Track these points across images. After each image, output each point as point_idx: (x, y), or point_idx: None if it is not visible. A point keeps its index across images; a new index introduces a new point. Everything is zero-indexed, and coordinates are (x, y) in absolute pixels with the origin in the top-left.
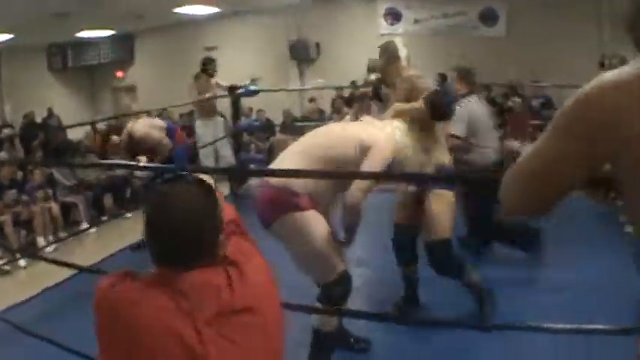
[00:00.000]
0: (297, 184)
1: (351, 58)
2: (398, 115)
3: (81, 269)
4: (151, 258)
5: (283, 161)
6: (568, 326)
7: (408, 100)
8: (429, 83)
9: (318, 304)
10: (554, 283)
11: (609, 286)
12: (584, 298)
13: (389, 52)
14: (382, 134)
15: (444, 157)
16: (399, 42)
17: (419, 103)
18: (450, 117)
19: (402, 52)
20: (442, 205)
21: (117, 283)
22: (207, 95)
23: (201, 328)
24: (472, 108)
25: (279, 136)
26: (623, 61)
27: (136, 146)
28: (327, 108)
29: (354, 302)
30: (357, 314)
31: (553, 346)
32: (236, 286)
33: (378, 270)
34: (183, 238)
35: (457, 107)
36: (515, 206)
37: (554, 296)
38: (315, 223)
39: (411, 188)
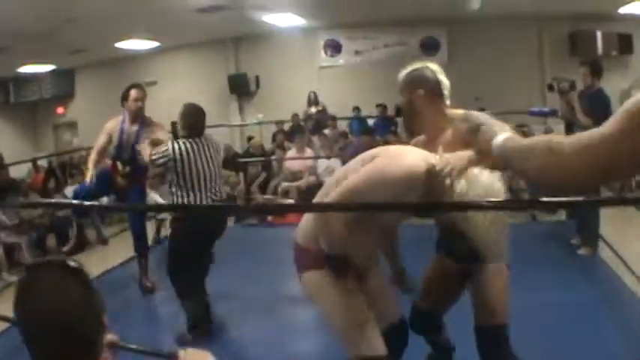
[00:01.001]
0: (305, 234)
1: (291, 91)
2: None
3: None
4: None
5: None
6: None
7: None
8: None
9: None
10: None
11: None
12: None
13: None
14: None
15: None
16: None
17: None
18: None
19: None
20: (500, 281)
21: None
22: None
23: None
24: None
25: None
26: (572, 85)
27: None
28: (267, 143)
29: None
30: None
31: None
32: None
33: None
34: (49, 338)
35: None
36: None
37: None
38: (328, 288)
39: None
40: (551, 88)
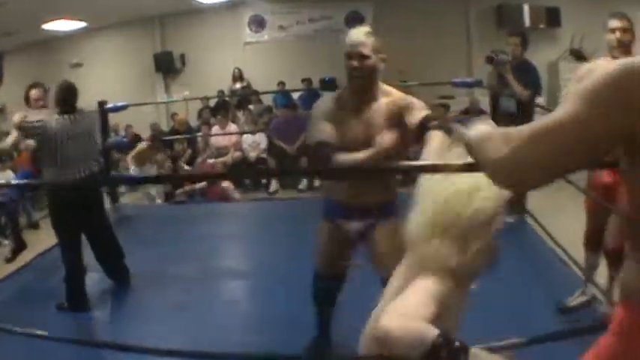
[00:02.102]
0: None
1: (217, 67)
2: None
3: None
4: None
5: None
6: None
7: None
8: None
9: None
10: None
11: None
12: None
13: None
14: None
15: None
16: None
17: None
18: None
19: None
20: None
21: None
22: None
23: None
24: None
25: None
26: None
27: None
28: (194, 119)
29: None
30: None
31: None
32: None
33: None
34: None
35: None
36: (529, 173)
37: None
38: None
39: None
40: (490, 60)
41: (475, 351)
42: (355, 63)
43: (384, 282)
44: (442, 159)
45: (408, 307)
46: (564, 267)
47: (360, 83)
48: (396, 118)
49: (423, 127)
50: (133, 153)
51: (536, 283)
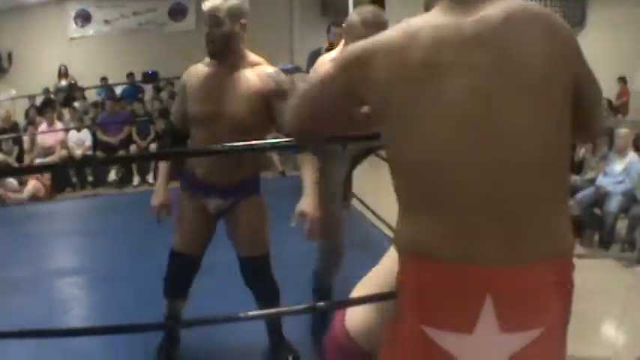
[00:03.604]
0: None
1: (43, 64)
2: None
3: None
4: None
5: None
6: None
7: None
8: None
9: None
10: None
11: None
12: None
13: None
14: None
15: None
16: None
17: None
18: None
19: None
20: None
21: None
22: None
23: None
24: None
25: None
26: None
27: None
28: (22, 119)
29: None
30: None
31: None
32: None
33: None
34: None
35: None
36: (295, 125)
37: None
38: None
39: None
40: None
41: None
42: (209, 29)
43: (242, 262)
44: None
45: None
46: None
47: (214, 50)
48: (259, 93)
49: None
50: None
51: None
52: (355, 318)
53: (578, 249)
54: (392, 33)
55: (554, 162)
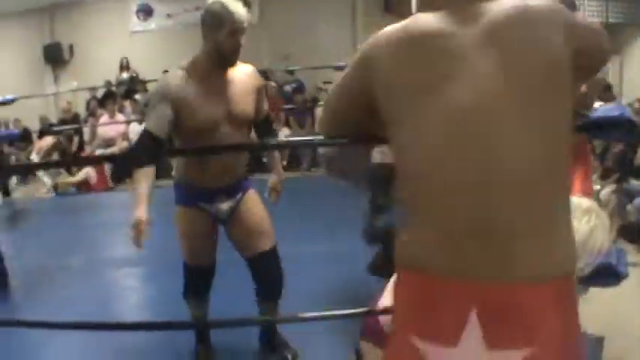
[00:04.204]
0: None
1: (104, 58)
2: None
3: None
4: None
5: None
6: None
7: None
8: None
9: None
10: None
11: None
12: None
13: None
14: None
15: None
16: None
17: None
18: None
19: None
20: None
21: None
22: None
23: None
24: None
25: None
26: None
27: None
28: (83, 111)
29: None
30: None
31: None
32: None
33: None
34: None
35: None
36: (324, 129)
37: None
38: None
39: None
40: None
41: None
42: (242, 40)
43: (250, 263)
44: None
45: None
46: None
47: (235, 60)
48: (255, 89)
49: (267, 122)
50: (37, 148)
51: None
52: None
53: (637, 256)
54: (397, 32)
55: (553, 176)
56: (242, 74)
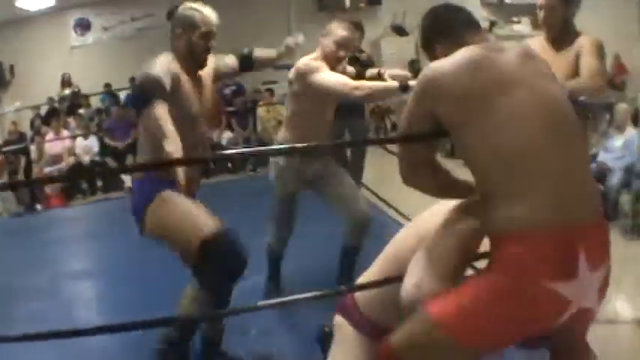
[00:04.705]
0: None
1: (45, 75)
2: None
3: None
4: None
5: None
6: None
7: None
8: None
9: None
10: None
11: None
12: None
13: None
14: None
15: None
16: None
17: None
18: None
19: None
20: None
21: None
22: None
23: None
24: None
25: None
26: None
27: None
28: (28, 130)
29: None
30: None
31: None
32: None
33: None
34: None
35: None
36: (409, 180)
37: None
38: None
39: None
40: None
41: None
42: (213, 43)
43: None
44: None
45: None
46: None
47: (206, 63)
48: (216, 79)
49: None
50: None
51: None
52: (365, 294)
53: None
54: (455, 61)
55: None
56: (206, 75)
